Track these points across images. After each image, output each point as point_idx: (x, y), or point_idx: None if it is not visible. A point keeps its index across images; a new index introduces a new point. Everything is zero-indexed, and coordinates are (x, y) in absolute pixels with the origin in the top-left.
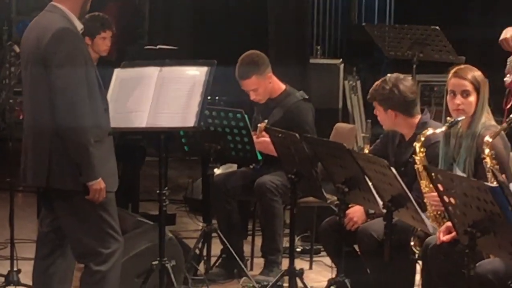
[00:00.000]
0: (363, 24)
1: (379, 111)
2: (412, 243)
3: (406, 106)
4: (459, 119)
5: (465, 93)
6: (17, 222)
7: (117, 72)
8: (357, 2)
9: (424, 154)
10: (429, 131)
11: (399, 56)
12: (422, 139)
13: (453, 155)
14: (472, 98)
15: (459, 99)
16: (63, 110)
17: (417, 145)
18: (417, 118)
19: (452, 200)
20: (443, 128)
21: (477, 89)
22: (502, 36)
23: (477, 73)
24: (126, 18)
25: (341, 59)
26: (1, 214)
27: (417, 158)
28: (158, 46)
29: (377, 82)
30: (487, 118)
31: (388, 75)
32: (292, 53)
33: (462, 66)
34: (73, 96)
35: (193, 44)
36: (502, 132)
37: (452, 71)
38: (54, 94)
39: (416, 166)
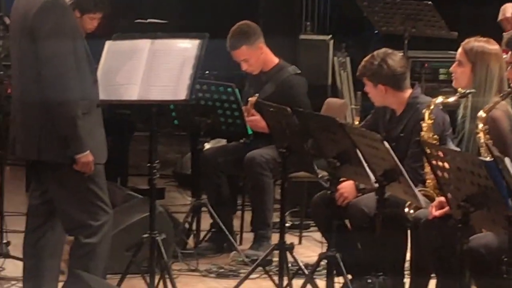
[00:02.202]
0: None
1: (369, 87)
2: (406, 209)
3: (395, 80)
4: (469, 90)
5: (459, 63)
6: (6, 195)
7: (109, 45)
8: None
9: (432, 122)
10: (439, 99)
11: (391, 31)
12: (432, 106)
13: (457, 129)
14: (464, 69)
15: (453, 67)
16: (50, 82)
17: (426, 112)
18: (408, 92)
19: (445, 174)
20: (454, 98)
21: (472, 61)
22: (501, 15)
23: (479, 44)
24: None
25: (330, 35)
26: None
27: (424, 124)
28: (148, 20)
29: (365, 58)
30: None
31: (376, 51)
32: (281, 29)
33: (478, 37)
34: (60, 68)
35: (182, 19)
36: (510, 110)
37: None
38: (41, 66)
39: (422, 133)
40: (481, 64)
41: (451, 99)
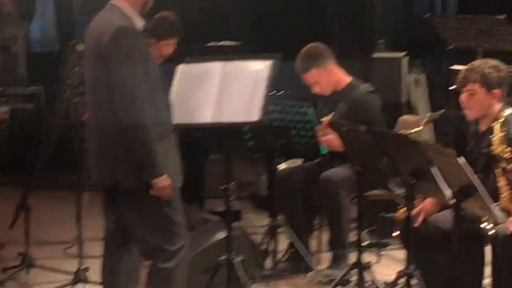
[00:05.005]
0: (426, 16)
1: (478, 94)
2: (484, 224)
3: (507, 88)
4: None
5: None
6: (85, 221)
7: (181, 68)
8: None
9: (504, 134)
10: (508, 111)
11: (463, 47)
12: (502, 119)
13: None
14: None
15: None
16: (123, 108)
17: (497, 125)
18: (498, 108)
19: None
20: None
21: None
22: None
23: None
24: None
25: (404, 53)
26: (68, 213)
27: (495, 138)
28: (220, 43)
29: (475, 63)
30: None
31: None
32: (354, 47)
33: None
34: (133, 94)
35: (256, 40)
36: None
37: None
38: (114, 93)
39: (493, 147)
40: None
41: None
